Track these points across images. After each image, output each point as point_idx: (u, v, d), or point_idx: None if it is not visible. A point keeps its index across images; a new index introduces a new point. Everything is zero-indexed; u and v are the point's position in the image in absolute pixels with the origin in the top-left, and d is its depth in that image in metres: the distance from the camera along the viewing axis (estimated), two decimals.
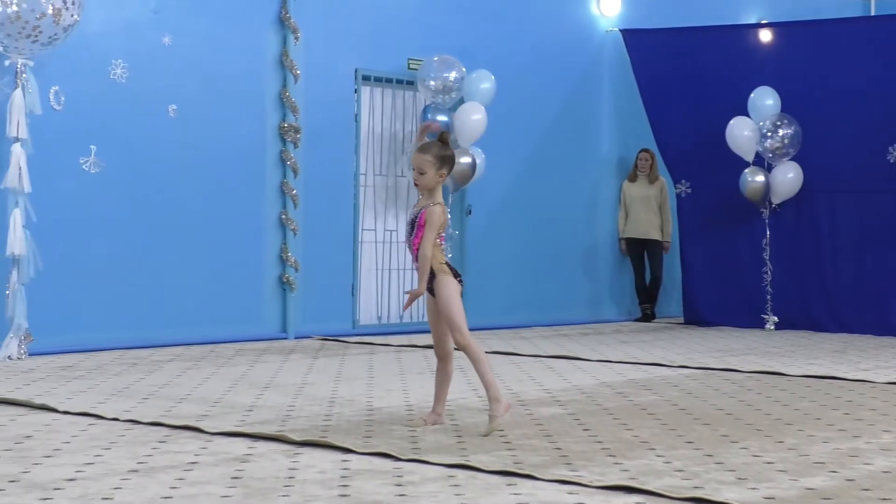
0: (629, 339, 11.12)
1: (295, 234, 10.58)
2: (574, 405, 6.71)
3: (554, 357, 9.39)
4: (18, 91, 8.52)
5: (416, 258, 5.85)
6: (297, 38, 10.55)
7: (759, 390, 7.48)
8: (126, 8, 9.62)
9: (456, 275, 5.85)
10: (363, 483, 4.57)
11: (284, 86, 10.55)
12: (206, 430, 5.70)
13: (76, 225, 9.28)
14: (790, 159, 12.01)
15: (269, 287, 10.53)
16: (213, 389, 7.15)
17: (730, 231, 12.57)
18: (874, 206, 11.81)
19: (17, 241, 8.51)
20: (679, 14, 13.33)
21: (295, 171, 10.56)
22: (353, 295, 11.16)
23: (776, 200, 12.17)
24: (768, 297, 12.24)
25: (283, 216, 10.56)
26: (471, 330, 5.87)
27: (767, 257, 12.26)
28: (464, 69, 11.27)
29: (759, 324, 12.21)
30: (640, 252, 13.33)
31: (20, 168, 8.51)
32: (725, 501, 4.29)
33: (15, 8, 8.22)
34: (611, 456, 5.16)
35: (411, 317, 11.52)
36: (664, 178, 13.16)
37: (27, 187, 8.54)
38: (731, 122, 12.02)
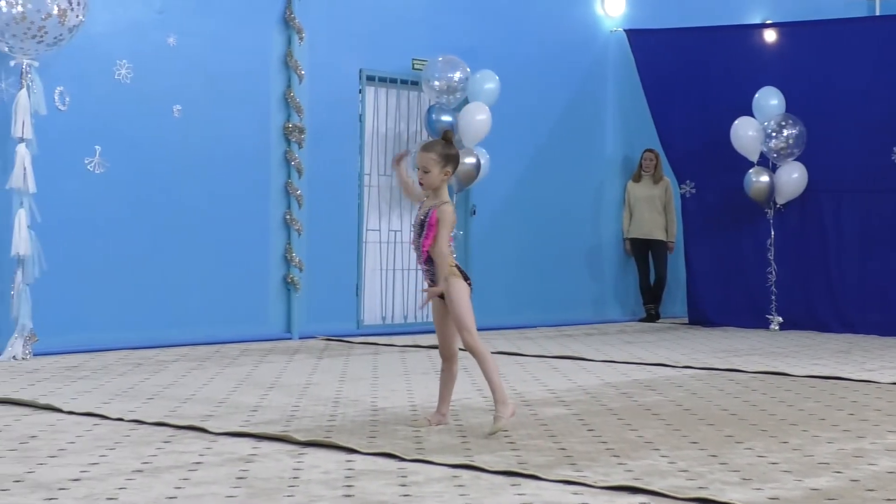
0: (633, 339, 11.12)
1: (299, 235, 10.59)
2: (578, 405, 6.71)
3: (558, 357, 9.39)
4: (23, 91, 8.54)
5: (424, 259, 5.84)
6: (301, 39, 10.56)
7: (764, 391, 7.48)
8: (131, 8, 9.63)
9: (465, 278, 5.85)
10: (367, 483, 4.57)
11: (289, 86, 10.56)
12: (210, 430, 5.70)
13: (81, 225, 9.29)
14: (795, 159, 12.00)
15: (274, 287, 10.54)
16: (218, 389, 7.15)
17: (734, 231, 12.56)
18: (879, 206, 11.81)
19: (22, 242, 8.52)
20: (683, 14, 13.32)
21: (299, 172, 10.57)
22: (357, 295, 11.16)
23: (781, 200, 12.17)
24: (773, 297, 12.23)
25: (288, 216, 10.56)
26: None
27: (772, 257, 12.25)
28: (468, 69, 11.27)
29: (764, 324, 12.20)
30: (645, 252, 13.33)
31: (25, 168, 8.52)
32: (730, 502, 4.28)
33: (20, 9, 8.23)
34: (615, 456, 5.16)
35: (416, 317, 11.53)
36: (668, 178, 13.16)
37: (32, 187, 8.56)
38: (736, 122, 12.01)
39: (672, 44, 12.81)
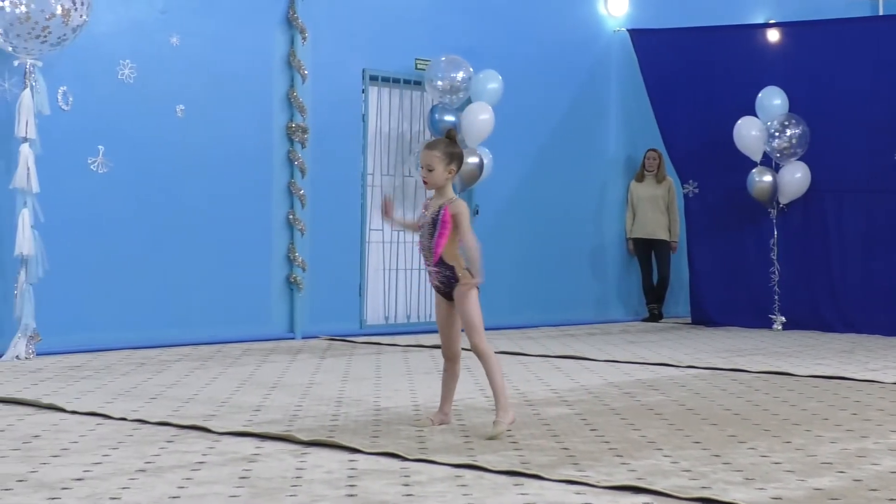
0: (636, 339, 11.12)
1: (302, 234, 10.59)
2: (581, 405, 6.71)
3: (561, 357, 9.38)
4: (27, 91, 8.55)
5: (435, 261, 5.80)
6: (304, 39, 10.56)
7: (767, 390, 7.48)
8: (134, 8, 9.64)
9: (473, 277, 5.83)
10: (370, 483, 4.57)
11: (292, 86, 10.56)
12: (213, 429, 5.70)
13: (84, 225, 9.30)
14: (798, 159, 11.99)
15: (277, 287, 10.54)
16: (221, 389, 7.16)
17: (737, 231, 12.55)
18: (882, 205, 11.79)
19: (26, 241, 8.53)
20: (686, 14, 13.32)
21: (302, 171, 10.57)
22: (360, 295, 11.16)
23: (784, 200, 12.16)
24: (776, 297, 12.22)
25: (291, 216, 10.57)
26: None
27: (775, 257, 12.24)
28: (471, 69, 11.27)
29: (767, 324, 12.20)
30: (648, 252, 13.32)
31: (29, 168, 8.53)
32: (733, 502, 4.28)
33: (24, 9, 8.24)
34: (618, 456, 5.16)
35: (418, 317, 11.53)
36: (671, 178, 13.15)
37: (35, 187, 8.56)
38: (739, 122, 12.01)
39: (675, 44, 12.81)
